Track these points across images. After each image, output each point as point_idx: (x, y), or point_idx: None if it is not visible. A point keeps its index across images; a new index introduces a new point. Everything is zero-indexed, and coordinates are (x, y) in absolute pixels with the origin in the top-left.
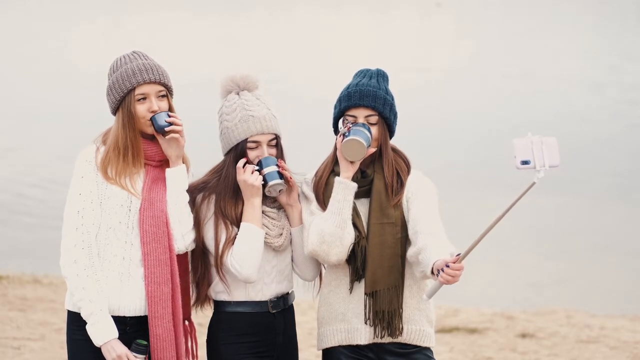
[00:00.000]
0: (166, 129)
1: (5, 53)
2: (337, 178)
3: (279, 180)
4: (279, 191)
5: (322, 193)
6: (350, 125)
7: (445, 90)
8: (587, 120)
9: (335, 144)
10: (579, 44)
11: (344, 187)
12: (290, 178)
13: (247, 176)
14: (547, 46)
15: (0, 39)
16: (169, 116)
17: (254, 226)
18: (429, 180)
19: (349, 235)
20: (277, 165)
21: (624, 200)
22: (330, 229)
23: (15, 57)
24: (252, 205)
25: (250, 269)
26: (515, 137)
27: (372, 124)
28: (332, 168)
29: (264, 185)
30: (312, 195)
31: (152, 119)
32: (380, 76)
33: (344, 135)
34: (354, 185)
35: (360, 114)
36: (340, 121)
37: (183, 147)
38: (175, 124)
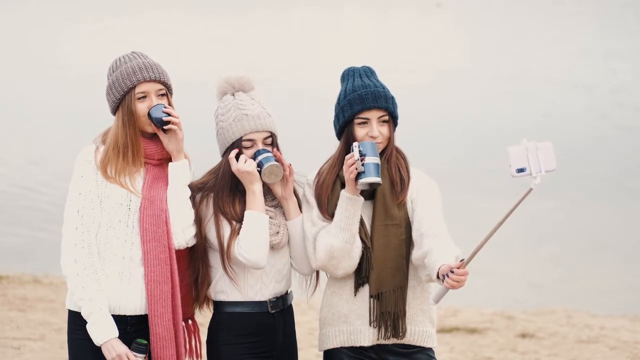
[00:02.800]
0: (164, 119)
1: (3, 53)
2: (343, 192)
3: (274, 162)
4: (277, 175)
5: (326, 200)
6: (364, 156)
7: (444, 91)
8: (578, 121)
9: (339, 147)
10: (571, 45)
11: (353, 203)
12: (290, 165)
13: (240, 165)
14: (543, 47)
15: None
16: (165, 108)
17: (258, 212)
18: (431, 180)
19: (357, 249)
20: (272, 153)
21: (616, 201)
22: (340, 244)
23: (13, 57)
24: (253, 193)
25: (259, 253)
26: (510, 145)
27: (384, 123)
28: (337, 172)
29: (260, 172)
30: (313, 201)
31: (148, 114)
32: (373, 74)
33: (359, 172)
34: (362, 200)
35: (374, 115)
36: (354, 148)
37: (182, 140)
38: (172, 116)
